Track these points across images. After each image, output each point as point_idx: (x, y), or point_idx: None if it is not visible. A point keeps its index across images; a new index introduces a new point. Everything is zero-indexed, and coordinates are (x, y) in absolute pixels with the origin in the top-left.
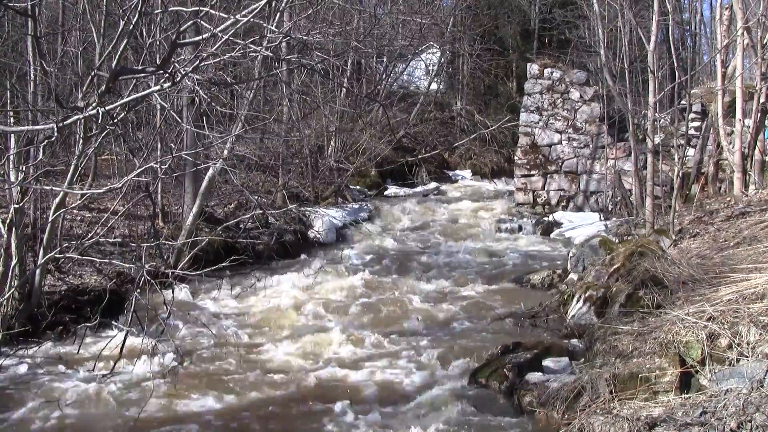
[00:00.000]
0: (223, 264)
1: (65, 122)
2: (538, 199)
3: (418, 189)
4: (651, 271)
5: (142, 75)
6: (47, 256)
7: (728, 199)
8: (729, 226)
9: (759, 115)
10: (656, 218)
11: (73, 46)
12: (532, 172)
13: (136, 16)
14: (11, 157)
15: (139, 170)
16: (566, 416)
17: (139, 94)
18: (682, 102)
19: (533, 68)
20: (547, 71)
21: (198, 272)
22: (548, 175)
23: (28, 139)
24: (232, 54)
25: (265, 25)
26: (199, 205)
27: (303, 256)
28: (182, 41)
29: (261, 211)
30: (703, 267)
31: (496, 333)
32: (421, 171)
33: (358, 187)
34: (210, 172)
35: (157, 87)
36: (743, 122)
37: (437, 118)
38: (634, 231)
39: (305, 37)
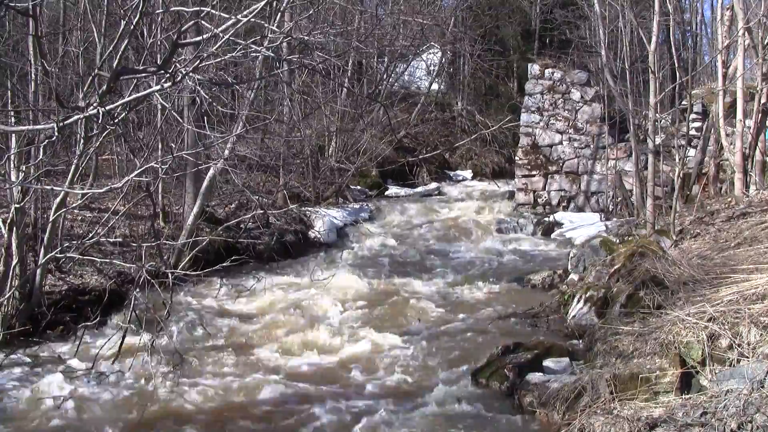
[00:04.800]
0: (224, 264)
1: (66, 122)
2: (539, 200)
3: (419, 189)
4: (652, 272)
5: (143, 75)
6: (48, 256)
7: (729, 199)
8: (730, 227)
9: (760, 115)
10: (657, 219)
11: (74, 45)
12: (533, 173)
13: (137, 16)
14: (12, 156)
15: (139, 170)
16: (567, 416)
17: (140, 94)
18: (683, 102)
19: (534, 68)
20: (548, 72)
21: (198, 272)
22: (549, 176)
23: (29, 139)
24: (233, 54)
25: (266, 25)
26: (200, 205)
27: (304, 257)
28: (183, 41)
29: (262, 211)
30: (703, 267)
31: (497, 333)
32: (421, 171)
33: (358, 187)
34: (211, 172)
35: (158, 87)
36: (744, 123)
37: (438, 118)
38: (634, 231)
39: (306, 38)
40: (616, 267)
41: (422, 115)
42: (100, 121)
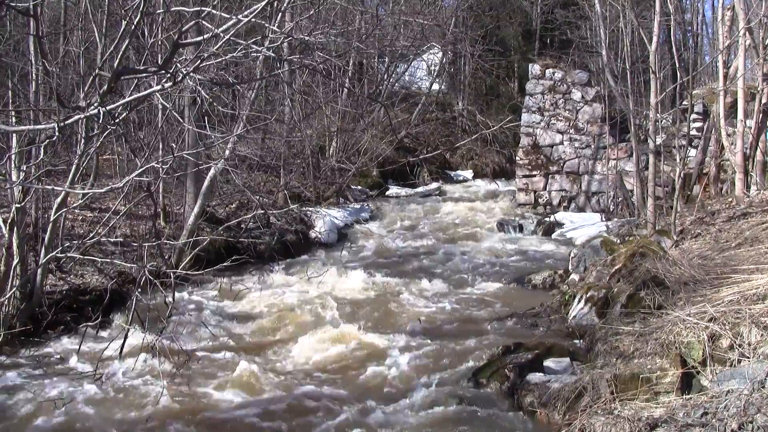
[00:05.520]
0: (225, 264)
1: (67, 122)
2: (540, 200)
3: (420, 189)
4: (652, 272)
5: (144, 75)
6: (49, 256)
7: (730, 199)
8: (730, 227)
9: (761, 115)
10: (658, 219)
11: (75, 45)
12: (534, 173)
13: (138, 16)
14: (13, 156)
15: (140, 170)
16: (567, 417)
17: (141, 94)
18: (684, 102)
19: (535, 69)
20: (548, 72)
21: (199, 272)
22: (550, 176)
23: (30, 139)
24: (234, 54)
25: (266, 25)
26: (201, 205)
27: (304, 257)
28: (184, 41)
29: (262, 211)
30: (704, 268)
31: (497, 333)
32: (422, 171)
33: (359, 187)
34: (211, 172)
35: (159, 87)
36: (745, 123)
37: (439, 118)
38: (635, 231)
39: (307, 38)
40: (616, 267)
41: (423, 115)
42: (100, 121)
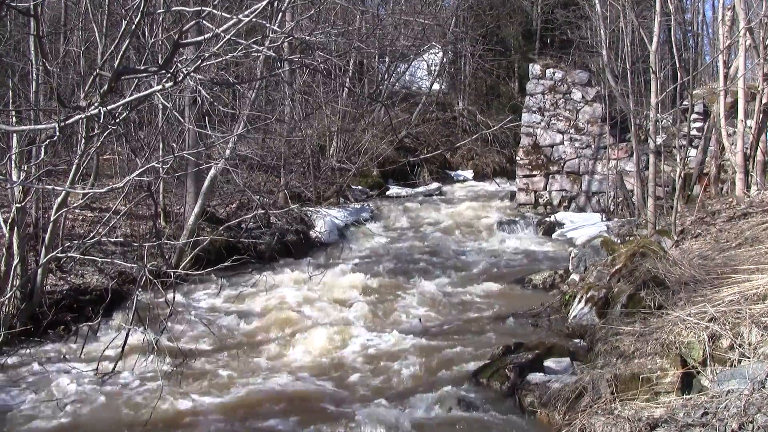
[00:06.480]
0: (225, 264)
1: (67, 122)
2: (540, 200)
3: (420, 189)
4: (652, 272)
5: (144, 75)
6: (49, 256)
7: (730, 200)
8: (731, 227)
9: (761, 115)
10: (658, 219)
11: (75, 45)
12: (534, 173)
13: (139, 15)
14: (13, 156)
15: (141, 170)
16: (567, 417)
17: (141, 94)
18: (684, 102)
19: (535, 68)
20: (549, 72)
21: (200, 272)
22: (550, 176)
23: (30, 139)
24: (235, 54)
25: (267, 25)
26: (201, 204)
27: (305, 256)
28: (184, 41)
29: (263, 211)
30: (704, 268)
31: (498, 333)
32: (423, 171)
33: (359, 187)
34: (212, 171)
35: (159, 87)
36: (745, 123)
37: (439, 118)
38: (635, 231)
39: (307, 37)
40: (617, 267)
41: (423, 115)
42: (101, 121)
